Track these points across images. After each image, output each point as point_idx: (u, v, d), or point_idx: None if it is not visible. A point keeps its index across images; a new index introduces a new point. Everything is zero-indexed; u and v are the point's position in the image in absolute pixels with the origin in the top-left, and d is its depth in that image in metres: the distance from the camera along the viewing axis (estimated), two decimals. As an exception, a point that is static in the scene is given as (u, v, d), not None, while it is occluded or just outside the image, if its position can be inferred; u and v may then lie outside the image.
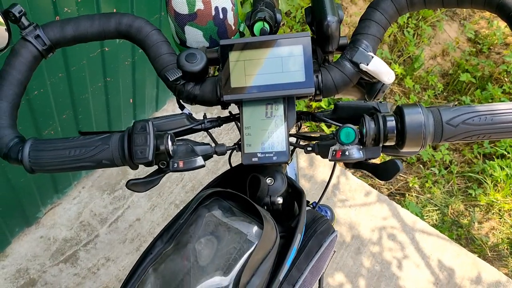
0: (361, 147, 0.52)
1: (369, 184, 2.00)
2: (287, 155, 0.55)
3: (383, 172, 0.53)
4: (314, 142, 0.57)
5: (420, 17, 2.95)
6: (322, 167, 1.92)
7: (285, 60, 0.55)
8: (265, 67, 0.56)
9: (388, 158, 0.55)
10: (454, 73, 2.71)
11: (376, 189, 2.08)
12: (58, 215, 1.57)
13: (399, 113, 0.51)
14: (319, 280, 1.19)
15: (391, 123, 0.50)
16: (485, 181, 2.16)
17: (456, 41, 2.91)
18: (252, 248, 0.53)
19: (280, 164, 0.57)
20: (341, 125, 0.54)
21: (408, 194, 2.13)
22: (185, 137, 0.60)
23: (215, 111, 1.85)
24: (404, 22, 2.87)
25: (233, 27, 0.64)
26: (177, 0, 0.60)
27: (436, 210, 2.10)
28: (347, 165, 0.59)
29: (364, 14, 0.59)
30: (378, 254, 1.73)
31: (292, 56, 0.55)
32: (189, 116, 0.61)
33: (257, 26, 0.57)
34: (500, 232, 2.05)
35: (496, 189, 2.15)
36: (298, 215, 0.60)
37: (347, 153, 0.51)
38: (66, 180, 1.56)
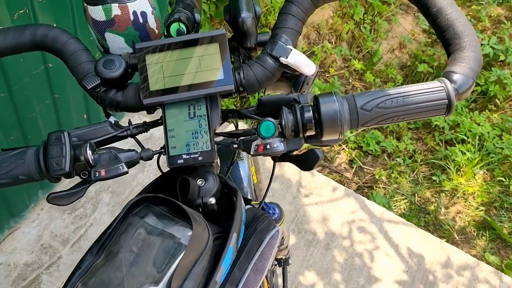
0: (283, 139, 0.52)
1: (336, 180, 2.02)
2: (213, 155, 0.55)
3: (305, 162, 0.54)
4: (239, 138, 0.56)
5: (376, 12, 3.01)
6: (288, 166, 1.92)
7: (202, 59, 0.55)
8: (184, 67, 0.55)
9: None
10: (412, 64, 2.77)
11: (344, 184, 2.11)
12: (17, 239, 1.52)
13: (315, 103, 0.51)
14: (283, 276, 1.18)
15: (308, 113, 0.50)
16: (448, 167, 2.22)
17: (412, 33, 2.98)
18: (184, 252, 0.52)
19: (208, 164, 0.56)
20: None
21: (376, 186, 2.16)
22: (112, 144, 0.59)
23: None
24: (360, 18, 2.93)
25: (156, 31, 0.63)
26: (93, 7, 0.59)
27: (403, 199, 2.13)
28: (274, 159, 0.59)
29: (282, 8, 0.60)
30: (348, 248, 1.74)
31: (209, 54, 0.55)
32: (115, 124, 0.60)
33: (173, 27, 0.57)
34: (466, 215, 2.09)
35: (459, 174, 2.21)
36: (233, 214, 0.59)
37: (268, 146, 0.51)
38: (21, 203, 1.51)
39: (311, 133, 0.52)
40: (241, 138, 0.56)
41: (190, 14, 0.59)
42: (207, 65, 0.55)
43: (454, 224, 2.05)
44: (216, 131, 0.58)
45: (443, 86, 0.50)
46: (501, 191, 2.15)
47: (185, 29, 0.57)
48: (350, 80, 2.74)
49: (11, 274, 1.46)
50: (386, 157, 2.30)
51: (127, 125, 0.60)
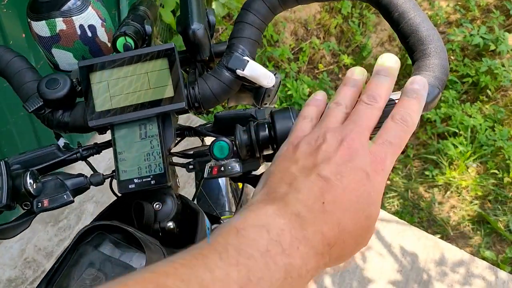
0: (239, 160, 0.48)
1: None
2: (166, 177, 0.51)
3: None
4: (195, 159, 0.53)
5: (363, 6, 2.96)
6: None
7: (151, 75, 0.51)
8: (131, 85, 0.51)
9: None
10: (402, 57, 2.73)
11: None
12: (0, 255, 1.49)
13: (271, 120, 0.47)
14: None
15: (264, 132, 0.47)
16: (441, 161, 2.18)
17: (401, 26, 2.94)
18: None
19: (161, 187, 0.52)
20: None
21: (368, 184, 2.13)
22: (61, 169, 0.56)
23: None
24: (348, 12, 2.88)
25: (109, 44, 0.60)
26: (36, 22, 0.55)
27: (396, 196, 2.10)
28: (233, 179, 0.56)
29: (238, 16, 0.56)
30: (340, 249, 1.71)
31: (158, 70, 0.51)
32: (64, 146, 0.56)
33: (119, 42, 0.53)
34: (460, 210, 2.06)
35: (452, 168, 2.18)
36: (195, 236, 0.56)
37: (223, 168, 0.47)
38: (2, 218, 1.47)
39: (268, 151, 0.48)
40: (197, 158, 0.53)
41: (139, 26, 0.55)
42: (156, 82, 0.51)
43: (448, 220, 2.02)
44: (172, 151, 0.55)
45: None
46: (495, 184, 2.12)
47: (132, 43, 0.53)
48: (339, 76, 2.70)
49: (-5, 291, 1.43)
50: (377, 153, 2.27)
51: (76, 147, 0.56)
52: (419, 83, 0.39)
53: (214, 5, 1.98)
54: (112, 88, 0.51)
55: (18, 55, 0.57)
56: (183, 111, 0.54)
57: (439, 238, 1.82)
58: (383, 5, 0.50)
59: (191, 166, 0.53)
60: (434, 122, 2.33)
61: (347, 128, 0.36)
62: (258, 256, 0.28)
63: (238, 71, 0.52)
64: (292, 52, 2.64)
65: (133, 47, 0.53)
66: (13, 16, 1.09)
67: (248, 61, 0.53)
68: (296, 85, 2.37)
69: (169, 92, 0.51)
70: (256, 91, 0.58)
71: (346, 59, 2.65)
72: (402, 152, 2.27)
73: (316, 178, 0.33)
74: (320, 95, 0.42)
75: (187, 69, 0.59)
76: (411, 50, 0.49)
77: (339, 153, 0.34)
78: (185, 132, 0.58)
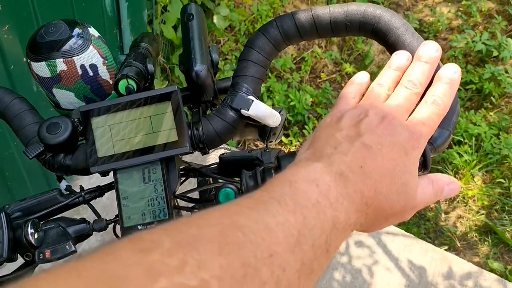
0: None
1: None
2: None
3: None
4: (200, 204, 0.51)
5: (364, 13, 2.96)
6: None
7: (154, 119, 0.50)
8: (134, 129, 0.50)
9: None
10: None
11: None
12: None
13: (278, 165, 0.46)
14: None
15: (270, 178, 0.45)
16: (446, 171, 2.16)
17: (403, 33, 2.93)
18: None
19: None
20: (226, 180, 0.49)
21: (373, 195, 2.11)
22: (63, 214, 0.54)
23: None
24: (349, 20, 2.87)
25: (111, 81, 0.59)
26: (36, 63, 0.54)
27: (402, 207, 2.08)
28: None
29: (242, 54, 0.55)
30: (346, 264, 1.69)
31: (161, 114, 0.50)
32: (66, 189, 0.55)
33: (121, 85, 0.52)
34: (467, 220, 2.04)
35: (457, 177, 2.15)
36: None
37: None
38: None
39: None
40: (203, 203, 0.51)
41: (141, 66, 0.54)
42: (159, 126, 0.50)
43: (455, 230, 2.00)
44: (177, 193, 0.53)
45: None
46: (502, 193, 2.09)
47: (134, 85, 0.52)
48: (342, 85, 2.69)
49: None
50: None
51: (79, 191, 0.55)
52: (454, 70, 0.41)
53: (215, 19, 1.98)
54: (114, 133, 0.50)
55: (19, 97, 0.57)
56: (190, 152, 0.53)
57: (446, 249, 1.80)
58: (390, 43, 0.49)
59: (196, 210, 0.52)
60: (438, 131, 2.31)
61: (388, 107, 0.39)
62: (310, 206, 0.31)
63: (243, 111, 0.51)
64: (294, 62, 2.63)
65: (135, 89, 0.52)
66: (14, 41, 1.09)
67: (252, 100, 0.51)
68: (299, 95, 2.35)
69: (172, 136, 0.50)
70: (261, 129, 0.57)
71: (348, 68, 2.64)
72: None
73: (359, 145, 0.36)
74: (363, 75, 0.46)
75: (190, 105, 0.58)
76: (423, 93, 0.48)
77: (380, 127, 0.37)
78: (188, 173, 0.56)
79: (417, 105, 0.40)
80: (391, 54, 0.50)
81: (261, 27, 0.53)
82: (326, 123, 0.40)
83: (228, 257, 0.24)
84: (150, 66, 0.55)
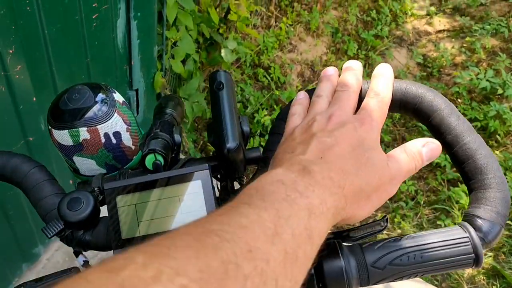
0: None
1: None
2: None
3: None
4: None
5: (369, 47, 2.98)
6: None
7: (183, 200, 0.47)
8: (161, 210, 0.47)
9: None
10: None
11: (345, 232, 2.01)
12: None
13: (319, 264, 0.43)
14: None
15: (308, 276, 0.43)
16: (453, 210, 2.13)
17: (407, 67, 2.95)
18: None
19: None
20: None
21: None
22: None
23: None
24: (354, 53, 2.89)
25: (133, 147, 0.56)
26: (58, 131, 0.52)
27: (408, 246, 2.04)
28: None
29: (273, 127, 0.53)
30: (353, 309, 1.64)
31: (191, 193, 0.47)
32: (84, 265, 0.52)
33: (149, 160, 0.49)
34: (474, 262, 2.00)
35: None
36: None
37: None
38: (4, 280, 1.41)
39: None
40: None
41: (168, 137, 0.52)
42: (189, 207, 0.47)
43: (462, 273, 1.96)
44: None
45: (467, 237, 0.42)
46: (509, 236, 2.06)
47: (162, 160, 0.49)
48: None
49: None
50: (387, 200, 2.22)
51: None
52: (382, 67, 0.46)
53: (223, 52, 1.98)
54: (140, 213, 0.47)
55: (38, 165, 0.54)
56: None
57: (454, 294, 1.75)
58: (434, 125, 0.47)
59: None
60: (444, 168, 2.30)
61: (331, 109, 0.43)
62: (281, 200, 0.31)
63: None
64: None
65: (162, 164, 0.49)
66: (25, 81, 1.07)
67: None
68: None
69: (202, 215, 0.47)
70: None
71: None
72: (412, 199, 2.23)
73: (315, 142, 0.38)
74: (302, 95, 0.49)
75: (217, 175, 0.55)
76: (467, 178, 0.46)
77: (330, 124, 0.40)
78: None
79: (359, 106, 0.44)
80: (434, 136, 0.48)
81: (293, 100, 0.51)
82: (281, 142, 0.44)
83: (206, 259, 0.24)
84: (177, 137, 0.53)
